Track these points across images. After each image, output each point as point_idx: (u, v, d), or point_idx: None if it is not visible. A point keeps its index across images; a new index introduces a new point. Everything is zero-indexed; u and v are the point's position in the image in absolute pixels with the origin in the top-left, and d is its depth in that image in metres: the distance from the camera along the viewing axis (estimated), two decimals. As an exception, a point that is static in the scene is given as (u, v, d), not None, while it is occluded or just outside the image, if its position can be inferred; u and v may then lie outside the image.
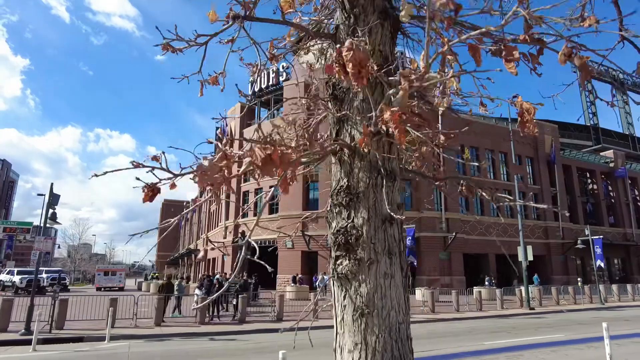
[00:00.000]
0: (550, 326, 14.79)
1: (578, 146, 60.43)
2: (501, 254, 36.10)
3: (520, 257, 21.84)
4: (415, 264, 18.23)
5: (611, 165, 49.29)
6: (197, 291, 16.96)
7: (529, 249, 21.78)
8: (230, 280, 21.31)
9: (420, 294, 24.84)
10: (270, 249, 17.99)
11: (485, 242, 36.69)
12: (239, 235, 24.40)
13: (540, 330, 13.53)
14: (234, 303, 16.86)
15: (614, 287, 27.91)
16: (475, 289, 28.33)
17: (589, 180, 48.83)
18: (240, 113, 44.91)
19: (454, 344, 10.98)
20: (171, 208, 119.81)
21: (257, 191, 40.27)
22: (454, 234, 33.27)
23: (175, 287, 17.74)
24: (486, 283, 27.86)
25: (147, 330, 13.75)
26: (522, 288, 21.98)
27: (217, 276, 19.22)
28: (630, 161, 54.30)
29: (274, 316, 16.81)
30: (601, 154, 52.41)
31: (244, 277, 23.36)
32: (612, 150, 52.76)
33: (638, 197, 50.74)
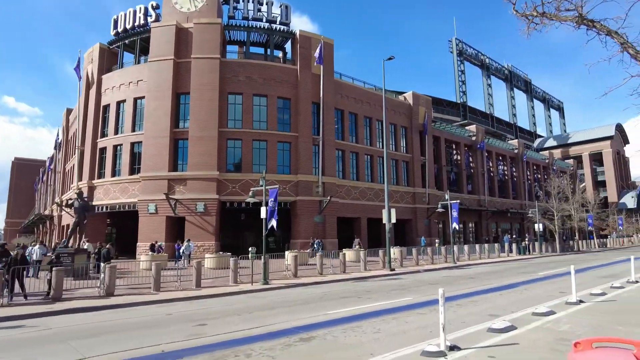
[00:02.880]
0: (404, 288, 14.64)
1: (449, 121, 65.54)
2: (372, 217, 37.24)
3: (385, 220, 21.96)
4: (275, 227, 16.71)
5: (473, 138, 54.33)
6: (-12, 265, 13.12)
7: (393, 211, 22.00)
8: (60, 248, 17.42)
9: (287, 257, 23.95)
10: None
11: (358, 206, 37.47)
12: (75, 196, 20.28)
13: (392, 294, 13.12)
14: (48, 278, 13.52)
15: (465, 247, 30.56)
16: (343, 251, 28.57)
17: (455, 152, 53.24)
18: (100, 56, 38.17)
19: (295, 315, 9.66)
20: (24, 168, 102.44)
21: (117, 148, 35.14)
22: (329, 197, 33.05)
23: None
24: (315, 246, 27.73)
25: None
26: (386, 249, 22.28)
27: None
28: (488, 136, 60.75)
29: (102, 291, 13.92)
30: (466, 128, 57.44)
31: (81, 245, 19.60)
32: (475, 125, 58.18)
33: (491, 168, 57.19)
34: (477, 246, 31.90)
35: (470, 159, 54.42)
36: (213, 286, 16.26)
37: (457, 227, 27.00)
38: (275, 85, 34.38)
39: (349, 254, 27.61)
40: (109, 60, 38.70)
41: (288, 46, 39.07)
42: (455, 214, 26.56)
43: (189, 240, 26.62)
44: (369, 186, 38.80)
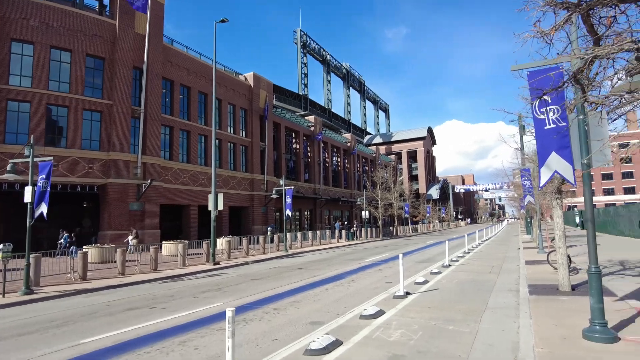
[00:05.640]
0: (219, 288, 12.04)
1: (291, 111, 65.52)
2: (205, 205, 33.69)
3: (210, 207, 19.04)
4: (45, 214, 12.13)
5: (312, 129, 55.17)
6: None
7: (220, 197, 19.23)
8: None
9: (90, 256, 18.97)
10: None
11: (188, 192, 33.43)
12: None
13: (200, 298, 10.38)
14: None
15: (298, 234, 29.79)
16: (165, 244, 24.62)
17: (294, 140, 53.17)
18: None
19: (17, 354, 6.08)
20: None
21: None
22: (149, 181, 28.21)
23: None
24: (62, 241, 22.05)
25: None
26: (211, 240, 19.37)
27: None
28: (325, 129, 62.83)
29: None
30: (305, 118, 58.10)
31: None
32: (314, 116, 59.30)
33: (326, 159, 59.31)
34: (309, 233, 31.59)
35: (308, 149, 55.24)
36: None
37: (290, 214, 25.78)
38: (85, 39, 27.60)
39: (168, 247, 23.85)
40: None
41: (106, -3, 32.15)
42: (289, 200, 25.25)
43: None
44: (202, 170, 34.99)
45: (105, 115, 27.96)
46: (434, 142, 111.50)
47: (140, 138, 29.11)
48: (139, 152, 28.85)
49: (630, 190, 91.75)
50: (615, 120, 6.54)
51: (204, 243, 19.70)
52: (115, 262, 19.58)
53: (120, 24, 28.99)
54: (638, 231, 24.96)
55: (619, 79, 5.05)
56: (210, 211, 19.50)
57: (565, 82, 4.12)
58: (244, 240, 23.34)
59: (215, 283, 13.12)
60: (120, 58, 28.72)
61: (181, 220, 34.55)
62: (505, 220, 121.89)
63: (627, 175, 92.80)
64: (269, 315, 7.86)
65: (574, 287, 9.21)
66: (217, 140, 36.84)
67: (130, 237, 23.40)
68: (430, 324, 6.86)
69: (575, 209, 59.95)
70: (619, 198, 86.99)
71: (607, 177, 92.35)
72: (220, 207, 19.13)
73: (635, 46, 2.80)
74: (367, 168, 73.92)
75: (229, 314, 3.84)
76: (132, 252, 21.16)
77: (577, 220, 46.89)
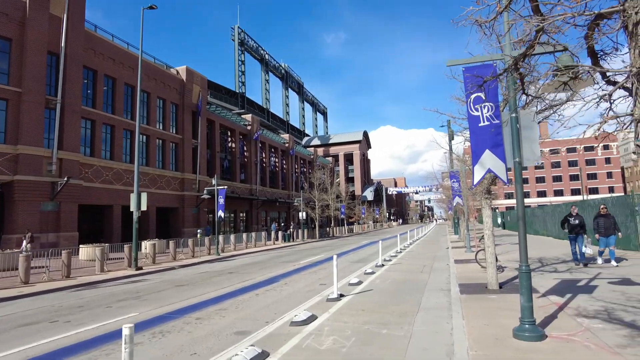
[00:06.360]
0: (138, 296, 10.93)
1: (227, 109, 63.59)
2: (128, 205, 31.29)
3: (132, 207, 17.54)
4: None
5: (249, 127, 53.86)
6: None
7: (144, 196, 17.82)
8: None
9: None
10: None
11: (111, 192, 30.93)
12: None
13: (114, 308, 9.28)
14: None
15: (232, 236, 28.69)
16: (83, 248, 22.37)
17: (230, 139, 51.53)
18: None
19: None
20: None
21: None
22: (66, 178, 25.56)
23: None
24: None
25: None
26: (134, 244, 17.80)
27: None
28: (263, 128, 61.73)
29: None
30: (242, 117, 56.63)
31: None
32: (251, 115, 57.99)
33: (264, 159, 58.29)
34: (244, 235, 30.57)
35: (245, 148, 53.87)
36: None
37: (222, 215, 24.65)
38: (-14, 17, 24.41)
39: (86, 251, 21.67)
40: None
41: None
42: (222, 201, 24.14)
43: None
44: (126, 168, 32.49)
45: (12, 103, 24.89)
46: (369, 146, 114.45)
47: (57, 131, 26.35)
48: (55, 146, 26.08)
49: (542, 194, 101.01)
50: (540, 122, 6.70)
51: (126, 247, 18.10)
52: (16, 269, 17.38)
53: (31, 2, 26.02)
54: (551, 230, 27.11)
55: (544, 81, 5.06)
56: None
57: (507, 69, 3.98)
58: (171, 243, 21.86)
59: (134, 290, 11.92)
60: (31, 40, 25.77)
61: (103, 222, 31.87)
62: (434, 221, 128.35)
63: (540, 180, 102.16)
64: (190, 326, 7.10)
65: (501, 285, 9.46)
66: (144, 136, 34.54)
67: (24, 242, 20.94)
68: (364, 328, 6.55)
69: (497, 210, 64.47)
70: (534, 201, 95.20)
71: (523, 181, 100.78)
72: (144, 207, 17.71)
73: (596, 13, 2.61)
74: (305, 169, 73.86)
75: (125, 332, 3.14)
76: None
77: (499, 220, 50.30)
